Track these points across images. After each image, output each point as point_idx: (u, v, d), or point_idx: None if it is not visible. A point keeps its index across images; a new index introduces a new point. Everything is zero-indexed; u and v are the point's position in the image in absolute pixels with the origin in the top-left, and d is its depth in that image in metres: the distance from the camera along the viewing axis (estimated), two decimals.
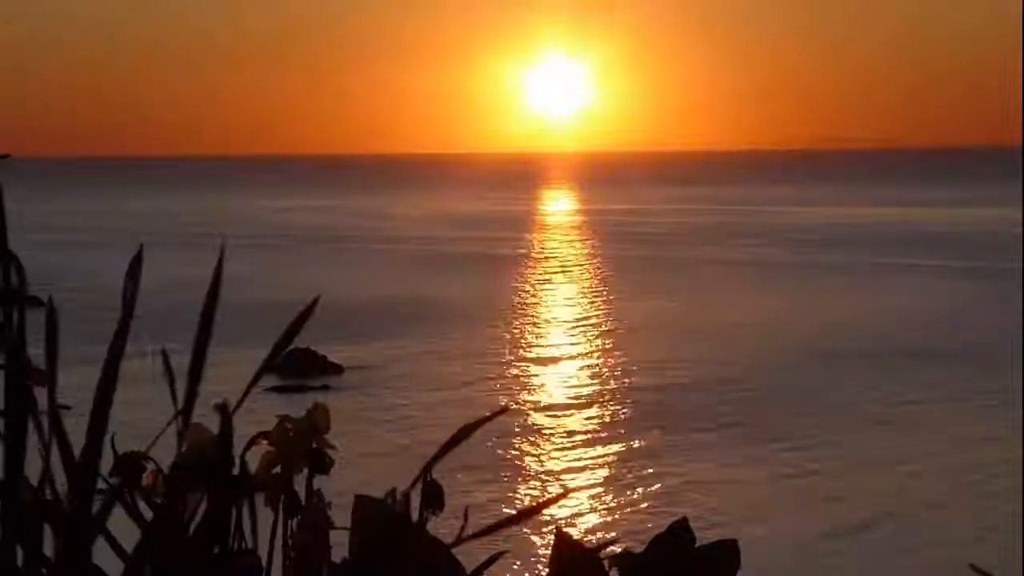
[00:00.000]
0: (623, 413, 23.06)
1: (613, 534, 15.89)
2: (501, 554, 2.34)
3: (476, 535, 2.21)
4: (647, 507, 17.27)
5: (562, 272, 48.22)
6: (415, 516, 2.32)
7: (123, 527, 2.10)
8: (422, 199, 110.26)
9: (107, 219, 78.44)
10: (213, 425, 2.13)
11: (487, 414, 2.16)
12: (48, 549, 2.00)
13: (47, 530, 2.01)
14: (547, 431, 21.63)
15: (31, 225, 57.30)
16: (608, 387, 25.44)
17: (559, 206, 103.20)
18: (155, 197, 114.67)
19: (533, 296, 40.20)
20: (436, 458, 2.22)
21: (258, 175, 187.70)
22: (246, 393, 2.10)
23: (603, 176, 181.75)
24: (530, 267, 49.19)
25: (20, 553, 1.99)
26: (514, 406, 22.29)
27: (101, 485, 2.05)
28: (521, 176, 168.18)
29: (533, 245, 60.43)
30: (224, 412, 2.09)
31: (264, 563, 2.23)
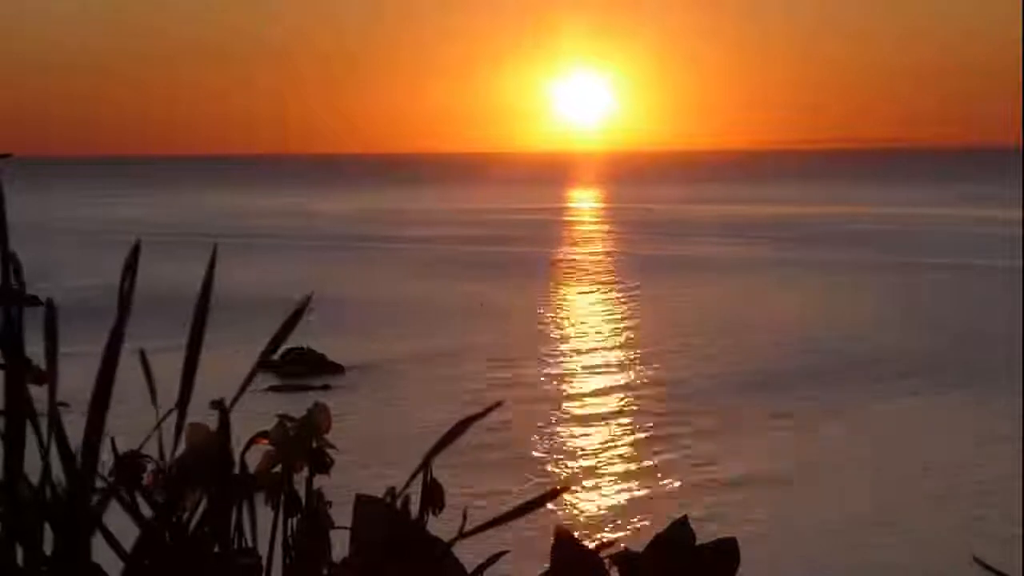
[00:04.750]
0: (622, 407, 23.09)
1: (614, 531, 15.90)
2: (501, 554, 2.34)
3: (475, 530, 2.21)
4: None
5: (570, 272, 48.23)
6: (415, 515, 2.32)
7: (124, 527, 2.10)
8: (445, 197, 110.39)
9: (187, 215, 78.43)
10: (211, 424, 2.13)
11: (481, 410, 2.16)
12: (48, 548, 2.00)
13: (47, 529, 2.01)
14: (547, 425, 21.63)
15: (30, 223, 57.41)
16: (607, 383, 25.46)
17: (570, 204, 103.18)
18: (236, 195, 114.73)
19: (539, 295, 40.21)
20: (432, 454, 2.22)
21: (292, 174, 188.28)
22: (242, 390, 2.10)
23: (617, 175, 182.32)
24: (537, 267, 49.18)
25: (20, 552, 1.99)
26: (511, 402, 22.27)
27: (100, 484, 2.05)
28: (539, 176, 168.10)
29: (544, 245, 60.41)
30: (222, 410, 2.09)
31: (264, 562, 2.22)
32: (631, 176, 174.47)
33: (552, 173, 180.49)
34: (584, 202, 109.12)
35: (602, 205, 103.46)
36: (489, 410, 2.21)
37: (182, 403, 2.05)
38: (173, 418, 2.11)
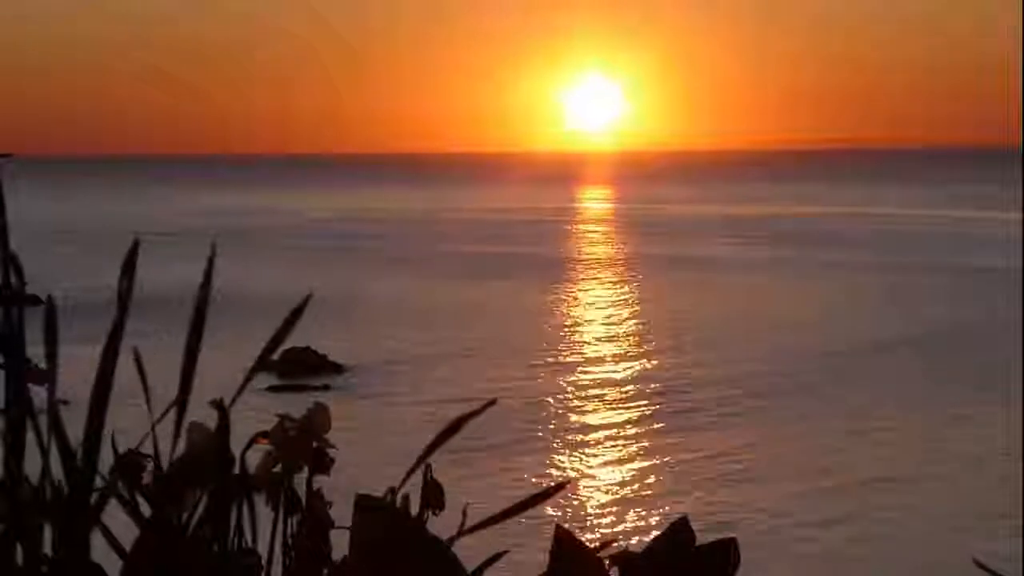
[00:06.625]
0: (617, 405, 23.12)
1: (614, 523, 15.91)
2: (502, 554, 2.34)
3: (473, 528, 2.21)
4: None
5: (568, 272, 48.24)
6: (415, 514, 2.32)
7: (124, 526, 2.10)
8: (455, 196, 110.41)
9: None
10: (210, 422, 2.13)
11: (476, 408, 2.16)
12: (48, 547, 2.00)
13: (47, 528, 2.01)
14: (542, 422, 21.66)
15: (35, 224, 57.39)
16: (603, 379, 25.50)
17: (570, 204, 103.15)
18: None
19: (537, 295, 40.19)
20: (429, 451, 2.21)
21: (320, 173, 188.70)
22: (241, 389, 2.10)
23: (625, 175, 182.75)
24: (537, 268, 49.16)
25: (20, 551, 1.99)
26: (509, 400, 22.27)
27: (100, 483, 2.05)
28: (547, 176, 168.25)
29: (544, 246, 60.39)
30: (221, 409, 2.09)
31: (264, 562, 2.22)
32: (637, 176, 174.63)
33: (561, 173, 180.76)
34: (590, 202, 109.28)
35: (608, 205, 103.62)
36: (484, 408, 2.21)
37: (181, 401, 2.05)
38: (171, 416, 2.11)
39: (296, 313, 2.11)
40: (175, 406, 2.06)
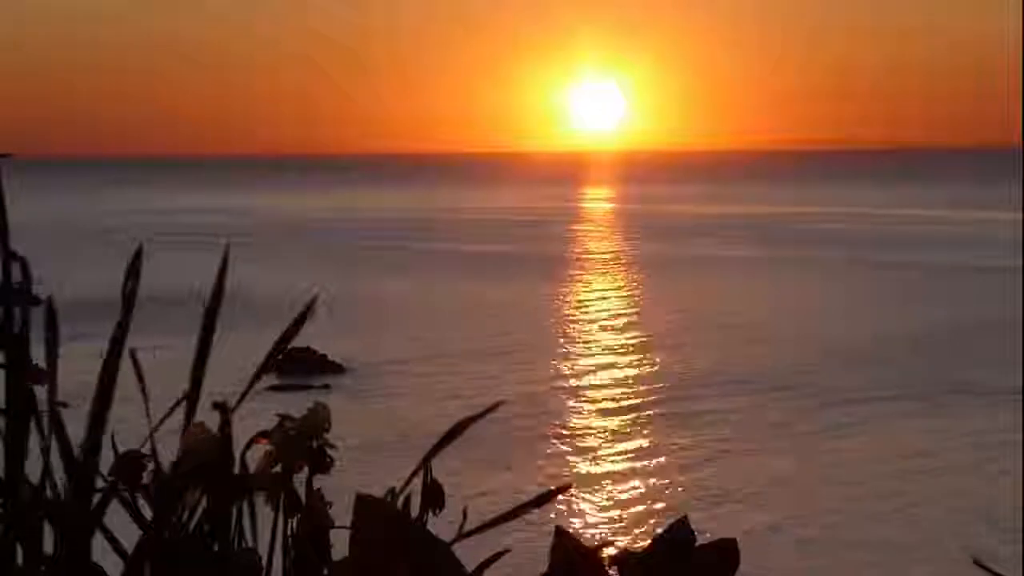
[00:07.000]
0: (613, 403, 23.13)
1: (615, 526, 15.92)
2: (502, 553, 2.34)
3: (475, 531, 2.22)
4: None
5: (568, 271, 48.23)
6: (415, 515, 2.32)
7: (125, 527, 2.10)
8: (461, 197, 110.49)
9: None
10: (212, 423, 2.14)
11: (481, 410, 2.17)
12: (49, 548, 2.00)
13: (47, 529, 2.01)
14: (542, 424, 21.65)
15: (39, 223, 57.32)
16: (604, 378, 25.50)
17: (570, 204, 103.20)
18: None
19: (537, 295, 40.18)
20: (432, 454, 2.22)
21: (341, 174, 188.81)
22: (246, 392, 2.10)
23: (625, 175, 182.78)
24: (537, 267, 49.15)
25: (20, 552, 1.99)
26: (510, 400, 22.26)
27: (101, 483, 2.05)
28: (545, 176, 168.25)
29: (545, 245, 60.34)
30: (223, 411, 2.09)
31: (264, 562, 2.23)
32: (637, 176, 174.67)
33: (561, 173, 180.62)
34: (590, 201, 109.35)
35: (609, 205, 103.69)
36: (488, 411, 2.21)
37: (190, 402, 2.06)
38: (175, 415, 2.12)
39: (302, 316, 2.12)
40: (183, 405, 2.07)
